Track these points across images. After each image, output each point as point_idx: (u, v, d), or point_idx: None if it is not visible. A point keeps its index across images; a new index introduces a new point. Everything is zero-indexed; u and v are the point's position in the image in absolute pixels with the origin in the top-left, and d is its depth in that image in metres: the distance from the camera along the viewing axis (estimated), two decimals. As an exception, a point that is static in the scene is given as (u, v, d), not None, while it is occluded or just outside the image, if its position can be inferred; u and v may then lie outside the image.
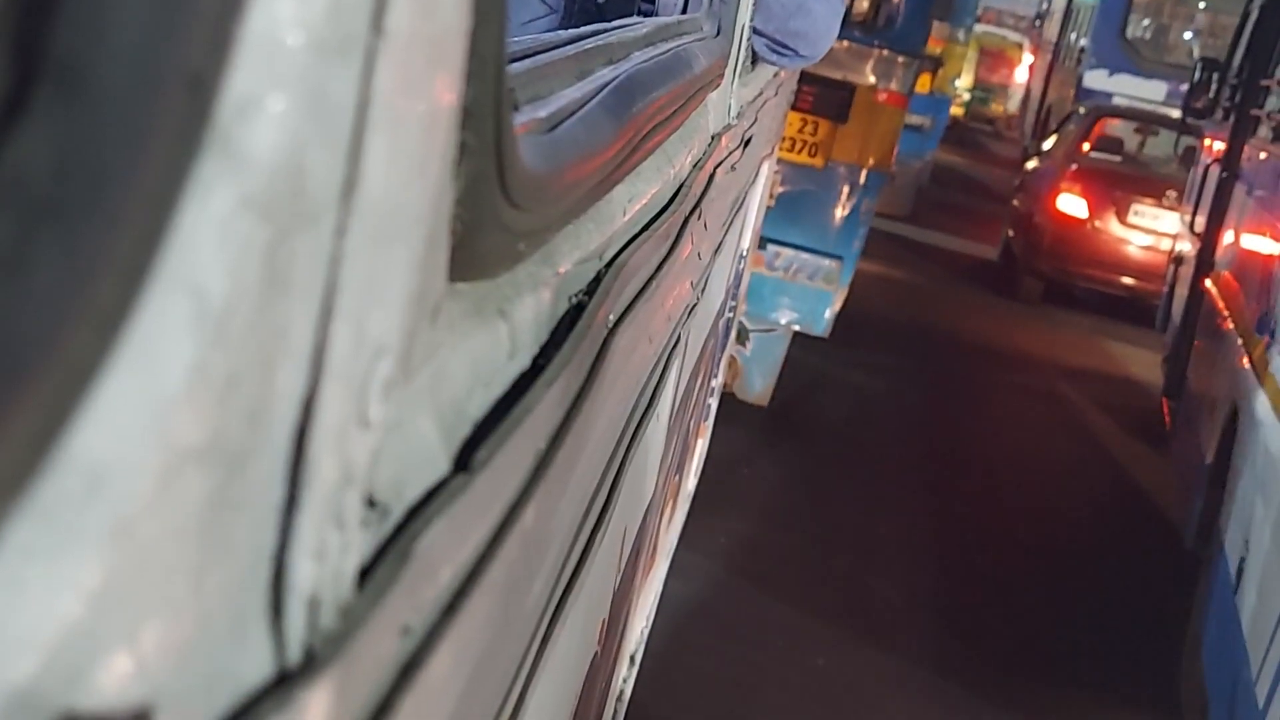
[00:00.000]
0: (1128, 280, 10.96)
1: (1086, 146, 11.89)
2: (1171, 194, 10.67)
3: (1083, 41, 17.88)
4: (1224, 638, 4.25)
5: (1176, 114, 12.22)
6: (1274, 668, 3.59)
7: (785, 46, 2.87)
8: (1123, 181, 11.19)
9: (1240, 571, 4.20)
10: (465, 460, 0.67)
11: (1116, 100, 15.21)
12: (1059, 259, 11.04)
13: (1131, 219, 10.94)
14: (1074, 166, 11.43)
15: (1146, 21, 17.74)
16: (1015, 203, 12.61)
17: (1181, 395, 7.05)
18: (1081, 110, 13.23)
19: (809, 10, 2.79)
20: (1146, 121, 13.17)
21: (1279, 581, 3.75)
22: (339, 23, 0.44)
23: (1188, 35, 18.10)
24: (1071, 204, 11.06)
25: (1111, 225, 10.96)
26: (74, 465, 0.35)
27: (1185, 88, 15.02)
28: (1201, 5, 17.89)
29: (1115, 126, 12.64)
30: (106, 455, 0.36)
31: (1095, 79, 16.41)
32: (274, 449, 0.45)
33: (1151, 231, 10.84)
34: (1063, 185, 11.20)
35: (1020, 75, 25.82)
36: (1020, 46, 26.71)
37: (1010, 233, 12.38)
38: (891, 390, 8.02)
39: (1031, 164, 13.03)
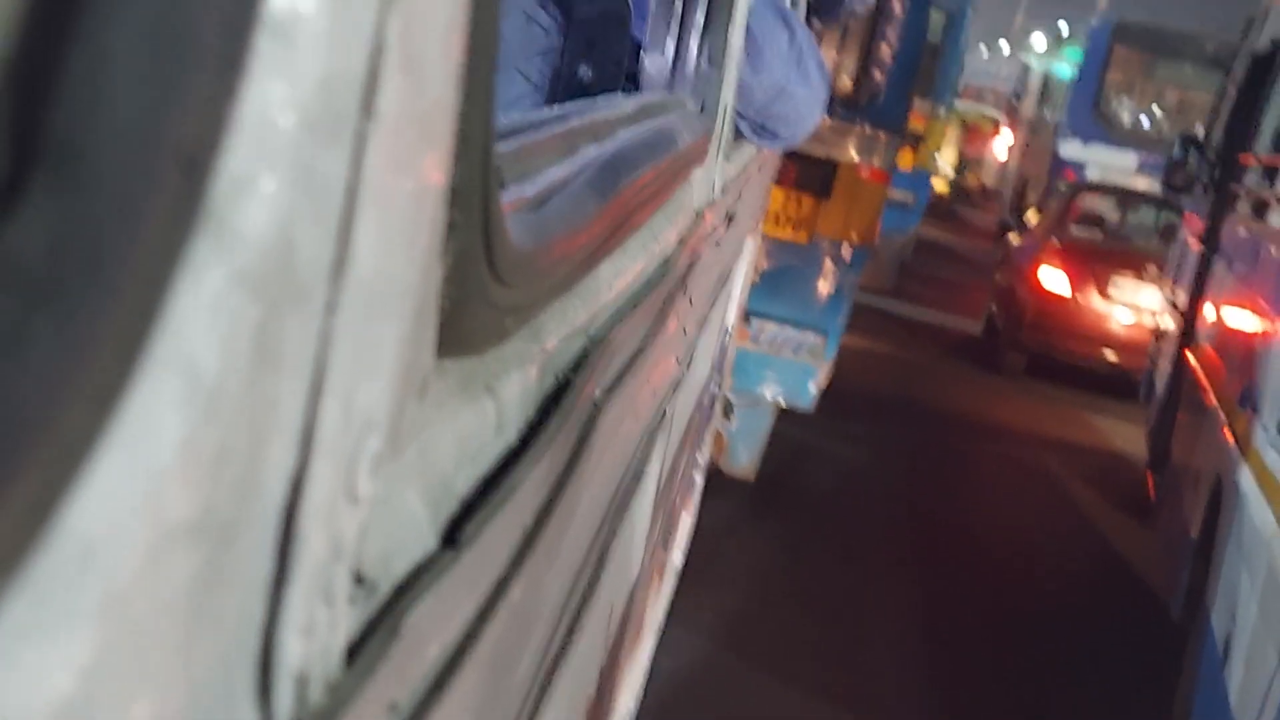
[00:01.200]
0: (1109, 354, 11.06)
1: (1068, 221, 12.07)
2: (1152, 268, 10.80)
3: (1058, 116, 18.77)
4: (1212, 711, 4.23)
5: (1152, 186, 12.78)
6: (1263, 742, 3.57)
7: (765, 129, 2.90)
8: (1104, 256, 11.38)
9: (1228, 645, 4.18)
10: (453, 536, 0.68)
11: (1090, 168, 15.75)
12: (1041, 333, 11.15)
13: (1113, 293, 11.09)
14: (1055, 241, 11.62)
15: (1119, 94, 18.51)
16: (997, 277, 12.76)
17: (1166, 468, 7.06)
18: (1063, 186, 13.44)
19: (790, 94, 2.81)
20: (1127, 197, 13.33)
21: (1266, 655, 3.74)
22: (330, 105, 0.44)
23: (1157, 109, 18.98)
24: (1053, 279, 11.20)
25: (1093, 300, 11.10)
26: (67, 541, 0.35)
27: (1152, 157, 15.77)
28: (1171, 81, 18.80)
29: (1096, 201, 12.84)
30: (99, 530, 0.36)
31: (1070, 149, 17.15)
32: (263, 524, 0.46)
33: (1133, 306, 10.96)
34: (1044, 260, 11.36)
35: (997, 149, 26.31)
36: (997, 122, 27.21)
37: (993, 307, 12.50)
38: (877, 463, 8.01)
39: (1013, 238, 13.18)
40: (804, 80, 2.85)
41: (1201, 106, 17.47)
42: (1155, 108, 19.03)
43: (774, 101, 2.81)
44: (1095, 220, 12.41)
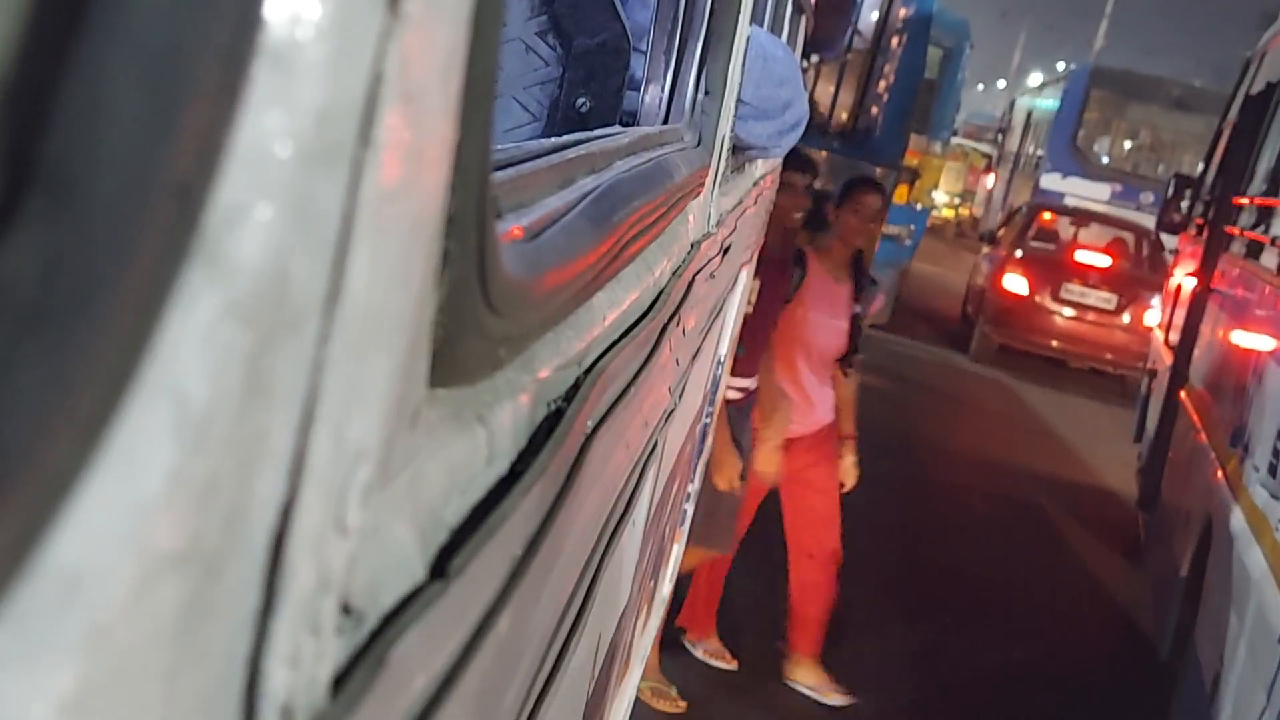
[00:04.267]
0: (1056, 344, 13.44)
1: (1028, 237, 14.43)
2: (1096, 276, 13.48)
3: (1039, 151, 21.32)
4: (1200, 753, 4.22)
5: (1113, 212, 16.27)
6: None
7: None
8: (1056, 265, 13.66)
9: (1215, 685, 4.18)
10: (441, 567, 0.67)
11: (1068, 199, 18.15)
12: (1005, 326, 13.45)
13: (1063, 295, 13.35)
14: (1018, 253, 13.91)
15: (1095, 133, 21.05)
16: (970, 280, 15.39)
17: (1156, 508, 7.06)
18: (1024, 207, 16.15)
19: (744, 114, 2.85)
20: (1078, 216, 15.88)
21: (1254, 695, 3.73)
22: (327, 134, 0.44)
23: (1129, 146, 21.61)
24: (1015, 283, 13.48)
25: (1046, 300, 13.35)
26: (52, 571, 0.35)
27: (1124, 189, 19.06)
28: (1141, 122, 21.36)
29: (1051, 220, 15.27)
30: (84, 561, 0.36)
31: (1050, 181, 19.57)
32: (251, 555, 0.45)
33: (1079, 305, 13.36)
34: (1008, 267, 13.66)
35: (987, 182, 27.57)
36: (988, 157, 28.26)
37: (967, 307, 15.06)
38: (867, 498, 7.98)
39: (985, 250, 15.51)
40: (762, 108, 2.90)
41: (1169, 145, 21.31)
42: (1127, 145, 21.65)
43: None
44: (1051, 236, 14.69)
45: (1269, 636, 3.73)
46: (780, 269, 5.09)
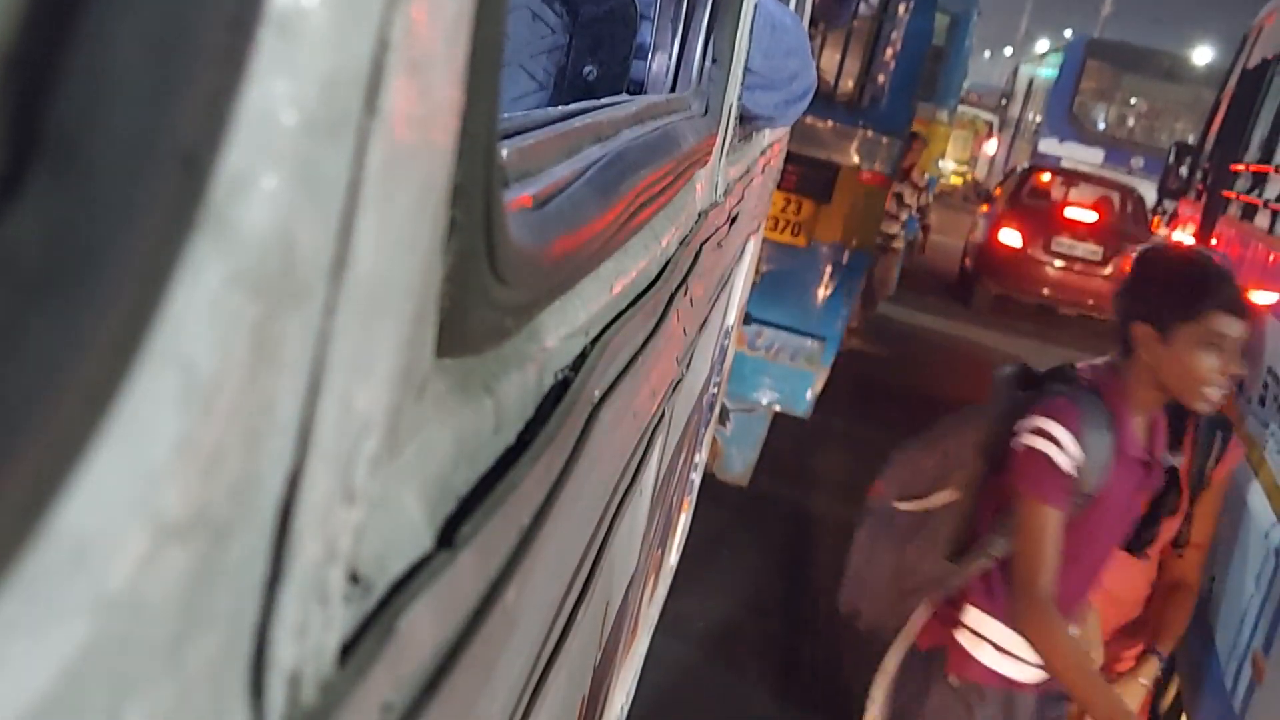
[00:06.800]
0: (1047, 291, 14.81)
1: (1022, 194, 15.75)
2: (1084, 230, 14.90)
3: (1039, 117, 22.91)
4: (1204, 684, 4.29)
5: (1099, 172, 17.84)
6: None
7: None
8: (1048, 221, 15.03)
9: (1210, 589, 4.31)
10: (449, 536, 0.67)
11: (1064, 163, 19.31)
12: (1000, 276, 14.87)
13: (1054, 248, 14.80)
14: (1013, 209, 15.30)
15: (1090, 101, 22.65)
16: (969, 236, 16.56)
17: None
18: (1016, 168, 17.97)
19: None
20: (1069, 175, 17.08)
21: (1243, 584, 3.97)
22: (333, 102, 0.44)
23: (1121, 114, 23.22)
24: (1010, 237, 14.90)
25: (1038, 253, 14.77)
26: (59, 539, 0.35)
27: (1116, 154, 20.39)
28: (1134, 91, 23.02)
29: (1044, 178, 16.60)
30: (91, 529, 0.36)
31: (1048, 145, 21.07)
32: (258, 524, 0.45)
33: (1068, 257, 14.76)
34: (1003, 223, 15.06)
35: (989, 147, 28.43)
36: (990, 124, 29.09)
37: (966, 261, 16.18)
38: (872, 472, 7.98)
39: (983, 209, 16.84)
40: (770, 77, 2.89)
41: (1158, 112, 23.01)
42: (1120, 113, 23.30)
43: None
44: (1043, 193, 15.98)
45: (1259, 539, 3.95)
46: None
